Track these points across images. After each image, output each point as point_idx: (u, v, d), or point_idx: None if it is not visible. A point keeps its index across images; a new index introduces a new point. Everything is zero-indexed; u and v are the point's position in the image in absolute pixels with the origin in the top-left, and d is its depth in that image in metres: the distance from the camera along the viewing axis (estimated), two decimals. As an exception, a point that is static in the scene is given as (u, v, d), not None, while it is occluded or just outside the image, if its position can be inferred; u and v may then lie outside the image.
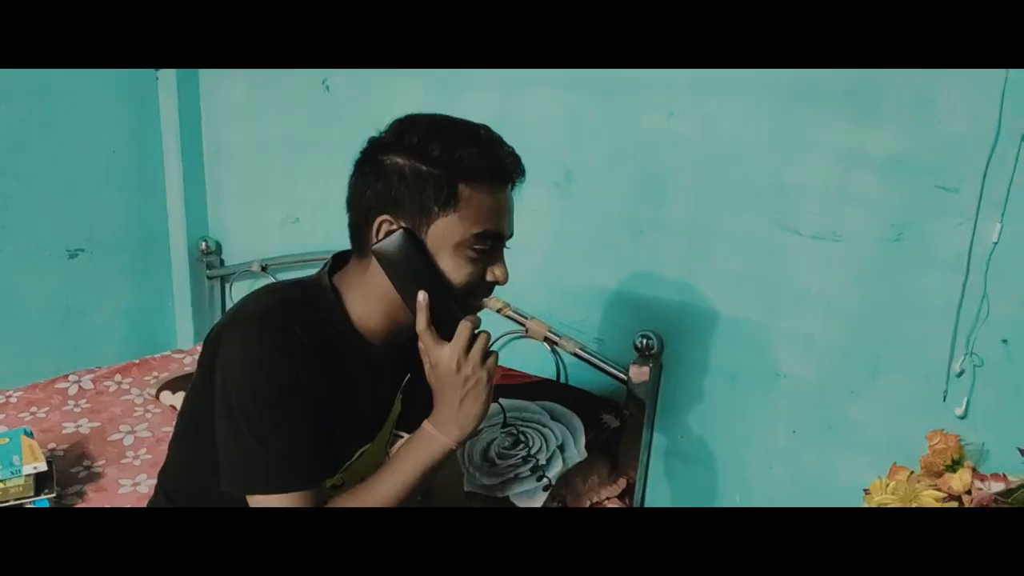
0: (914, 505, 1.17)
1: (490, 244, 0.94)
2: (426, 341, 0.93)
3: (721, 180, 1.48)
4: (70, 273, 2.16)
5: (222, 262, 2.34)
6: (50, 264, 2.11)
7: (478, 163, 0.91)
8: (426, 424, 0.96)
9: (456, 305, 0.95)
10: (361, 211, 0.95)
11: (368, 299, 0.97)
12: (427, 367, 0.95)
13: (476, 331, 0.94)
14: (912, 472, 1.28)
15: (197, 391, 0.99)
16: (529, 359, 1.78)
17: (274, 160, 2.15)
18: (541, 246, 1.72)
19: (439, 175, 0.90)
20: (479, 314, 0.98)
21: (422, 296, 0.92)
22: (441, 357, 0.93)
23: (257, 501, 0.92)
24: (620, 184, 1.60)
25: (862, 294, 1.36)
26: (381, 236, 0.92)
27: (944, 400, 1.30)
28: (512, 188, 0.97)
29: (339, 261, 1.02)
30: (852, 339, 1.38)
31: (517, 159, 0.95)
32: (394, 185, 0.91)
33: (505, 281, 0.96)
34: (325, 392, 0.94)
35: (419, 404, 1.02)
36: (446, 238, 0.92)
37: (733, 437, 1.57)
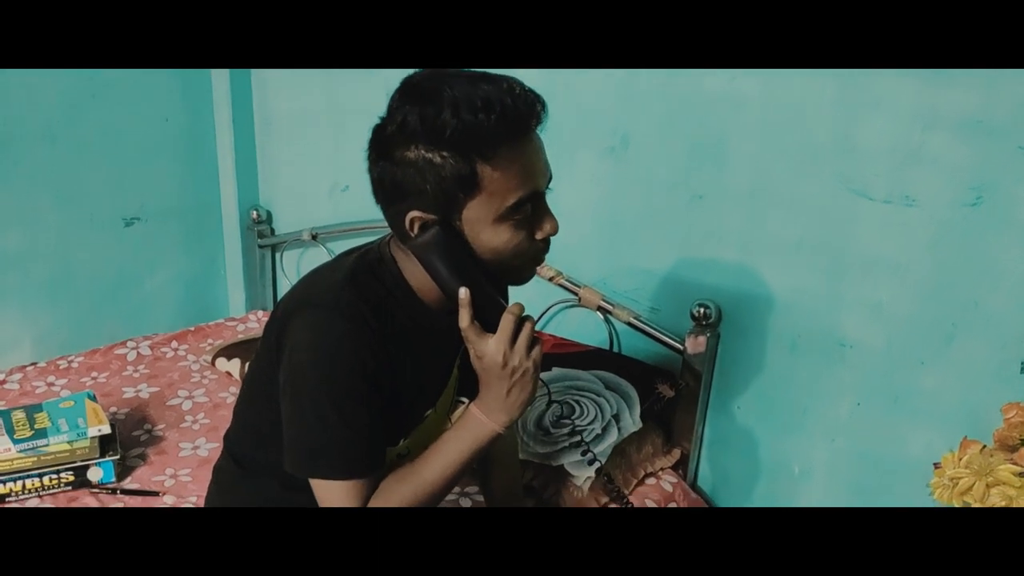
0: (990, 480, 1.12)
1: (530, 206, 0.89)
2: (470, 336, 0.91)
3: (784, 143, 1.42)
4: (124, 242, 2.18)
5: (273, 231, 2.35)
6: (105, 233, 2.13)
7: (490, 130, 0.83)
8: (473, 408, 0.95)
9: (499, 294, 0.92)
10: (389, 205, 0.91)
11: (423, 274, 0.94)
12: (472, 357, 0.93)
13: (521, 317, 0.92)
14: (985, 446, 1.24)
15: (263, 363, 0.99)
16: (582, 328, 1.75)
17: (323, 129, 2.13)
18: (595, 213, 1.68)
19: (453, 161, 0.84)
20: (530, 279, 0.96)
21: (463, 292, 0.90)
22: (487, 350, 0.91)
23: (318, 484, 0.93)
24: (678, 148, 1.55)
25: (936, 260, 1.30)
26: (415, 232, 0.89)
27: (1021, 371, 1.25)
28: (538, 127, 0.88)
29: None
30: (924, 307, 1.33)
31: (529, 98, 0.85)
32: (413, 180, 0.86)
33: (556, 231, 0.91)
34: (391, 367, 0.93)
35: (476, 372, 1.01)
36: (481, 220, 0.87)
37: (793, 408, 1.53)
